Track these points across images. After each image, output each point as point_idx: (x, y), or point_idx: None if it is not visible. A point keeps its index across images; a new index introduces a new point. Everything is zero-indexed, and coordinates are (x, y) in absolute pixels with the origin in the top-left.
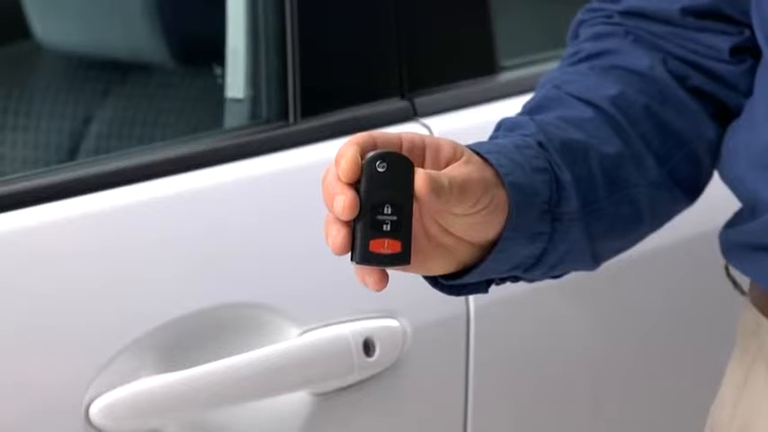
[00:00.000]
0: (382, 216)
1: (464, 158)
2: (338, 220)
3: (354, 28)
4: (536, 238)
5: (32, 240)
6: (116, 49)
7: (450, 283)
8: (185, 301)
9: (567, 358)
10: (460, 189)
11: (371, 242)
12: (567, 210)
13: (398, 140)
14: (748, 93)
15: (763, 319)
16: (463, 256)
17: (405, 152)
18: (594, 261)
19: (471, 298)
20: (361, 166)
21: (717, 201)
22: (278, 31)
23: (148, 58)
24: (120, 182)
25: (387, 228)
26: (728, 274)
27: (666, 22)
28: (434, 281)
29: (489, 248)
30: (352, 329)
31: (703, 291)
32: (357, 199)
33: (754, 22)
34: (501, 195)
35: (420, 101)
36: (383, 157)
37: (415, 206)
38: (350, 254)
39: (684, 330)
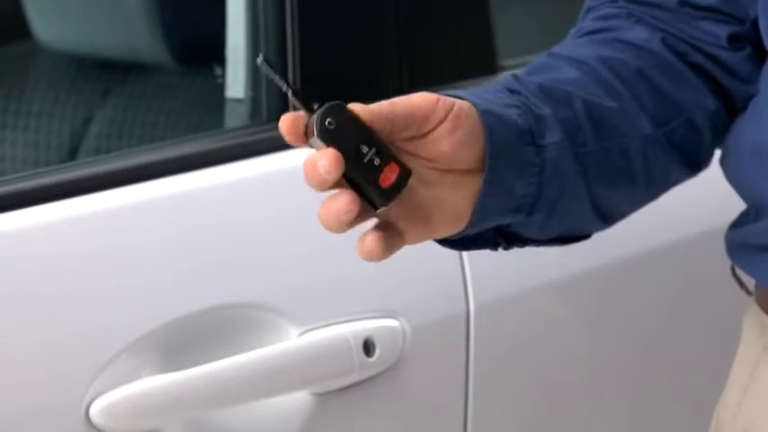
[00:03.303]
0: (367, 157)
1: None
2: (334, 196)
3: (354, 28)
4: (525, 169)
5: (33, 240)
6: (116, 50)
7: (456, 238)
8: (185, 302)
9: (568, 358)
10: (405, 102)
11: (380, 180)
12: (551, 140)
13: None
14: (747, 79)
15: (767, 319)
16: (473, 188)
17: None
18: (599, 214)
19: (471, 298)
20: (317, 135)
21: (722, 200)
22: (278, 31)
23: (148, 59)
24: (120, 182)
25: (377, 161)
26: (734, 274)
27: (666, 9)
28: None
29: None
30: (352, 329)
31: (708, 290)
32: (337, 152)
33: (761, 23)
34: (462, 102)
35: None
36: (322, 115)
37: (405, 159)
38: (370, 204)
39: (689, 330)
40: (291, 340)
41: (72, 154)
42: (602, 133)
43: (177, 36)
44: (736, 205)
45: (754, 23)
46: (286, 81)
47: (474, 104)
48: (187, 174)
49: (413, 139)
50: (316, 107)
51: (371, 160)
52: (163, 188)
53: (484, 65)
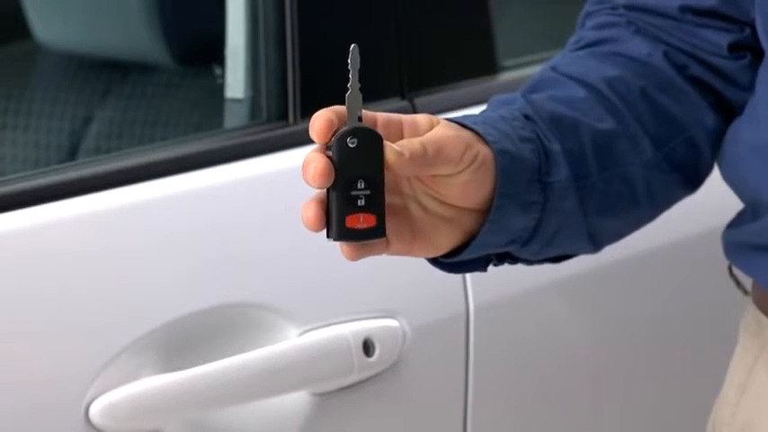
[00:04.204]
0: (356, 191)
1: (441, 125)
2: (313, 200)
3: (354, 28)
4: (529, 207)
5: (32, 240)
6: (116, 50)
7: (448, 261)
8: (185, 301)
9: (568, 358)
10: (436, 150)
11: (347, 218)
12: (557, 179)
13: (373, 119)
14: (748, 87)
15: (764, 318)
16: (466, 225)
17: (381, 129)
18: (592, 242)
19: (471, 298)
20: (333, 143)
21: (719, 200)
22: (278, 32)
23: (148, 58)
24: (120, 182)
25: (361, 203)
26: (731, 274)
27: (667, 16)
28: (433, 259)
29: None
30: (352, 329)
31: (706, 290)
32: (331, 167)
33: (758, 22)
34: (485, 150)
35: (420, 101)
36: (353, 132)
37: (407, 183)
38: (326, 231)
39: (687, 330)
40: (291, 340)
41: (72, 154)
42: (606, 162)
43: (177, 36)
44: (734, 205)
45: (754, 28)
46: (359, 81)
47: (492, 146)
48: (187, 174)
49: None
50: (357, 123)
51: (357, 197)
52: (163, 188)
53: (484, 65)
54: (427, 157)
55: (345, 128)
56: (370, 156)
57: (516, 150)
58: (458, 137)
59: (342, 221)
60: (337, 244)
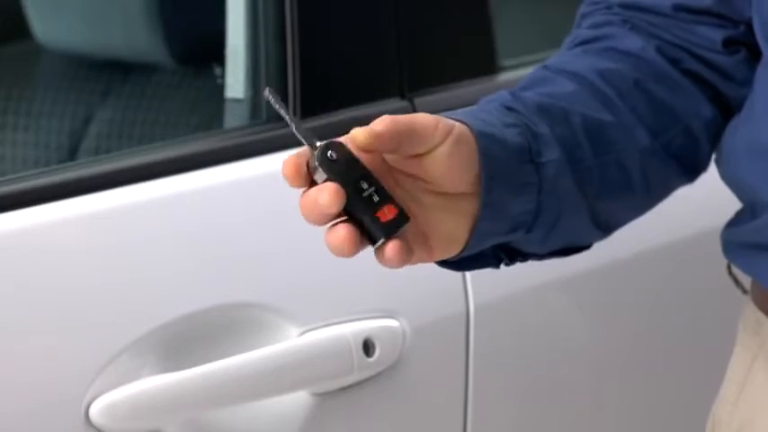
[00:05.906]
0: (366, 192)
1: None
2: (338, 226)
3: (354, 28)
4: (523, 189)
5: (32, 240)
6: (116, 49)
7: (456, 258)
8: (185, 301)
9: (568, 358)
10: (407, 124)
11: (377, 215)
12: (549, 159)
13: (377, 132)
14: (743, 82)
15: (763, 317)
16: (468, 211)
17: (390, 142)
18: (597, 226)
19: (471, 298)
20: (317, 167)
21: (719, 200)
22: (278, 32)
23: (149, 59)
24: (120, 182)
25: (376, 198)
26: (730, 273)
27: (661, 14)
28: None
29: None
30: (352, 329)
31: (705, 289)
32: (337, 185)
33: (755, 22)
34: (464, 128)
35: (420, 101)
36: (324, 148)
37: (396, 183)
38: (369, 241)
39: (686, 329)
40: (291, 340)
41: (72, 154)
42: (600, 148)
43: (177, 36)
44: (733, 205)
45: (749, 25)
46: (292, 115)
47: (471, 127)
48: (187, 174)
49: (411, 158)
50: (317, 144)
51: (371, 196)
52: (163, 188)
53: (484, 65)
54: (398, 127)
55: (318, 147)
56: (349, 158)
57: (499, 133)
58: (427, 116)
59: (377, 220)
60: (372, 256)
